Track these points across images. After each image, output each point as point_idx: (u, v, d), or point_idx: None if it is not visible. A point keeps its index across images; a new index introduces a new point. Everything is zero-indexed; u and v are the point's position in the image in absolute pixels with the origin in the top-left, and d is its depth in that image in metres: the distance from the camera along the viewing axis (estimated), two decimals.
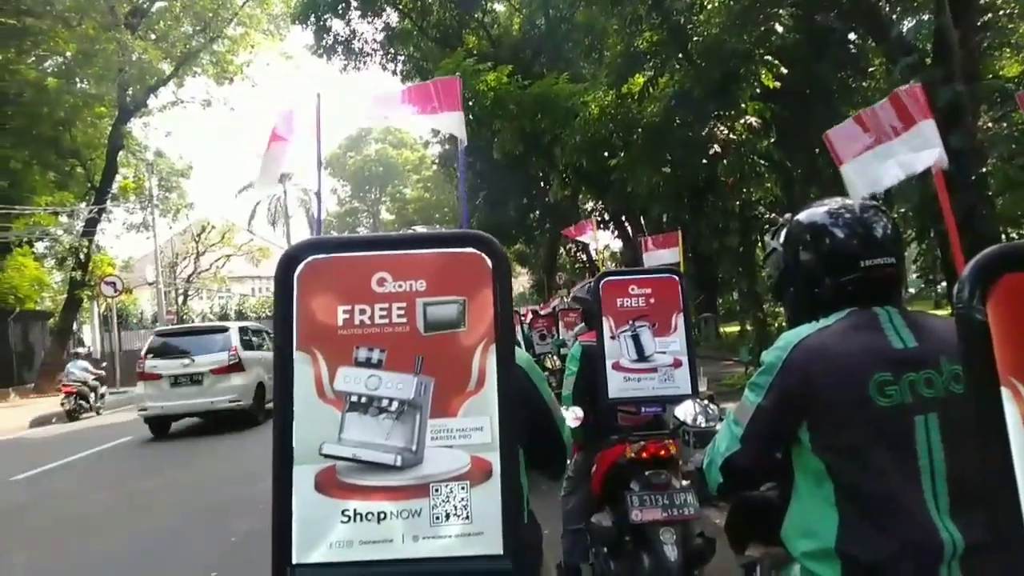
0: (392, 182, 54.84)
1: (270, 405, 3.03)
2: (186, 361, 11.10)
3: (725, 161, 11.62)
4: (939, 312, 11.11)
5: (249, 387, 11.17)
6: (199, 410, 11.17)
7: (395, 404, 1.02)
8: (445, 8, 21.27)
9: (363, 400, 1.02)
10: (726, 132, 11.85)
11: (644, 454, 2.93)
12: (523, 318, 10.14)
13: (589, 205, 23.38)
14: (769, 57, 11.51)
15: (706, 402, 2.64)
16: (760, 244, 12.52)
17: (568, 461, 2.13)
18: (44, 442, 11.87)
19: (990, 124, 10.17)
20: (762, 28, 11.29)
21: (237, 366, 11.15)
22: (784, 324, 2.66)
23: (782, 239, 1.69)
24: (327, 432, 1.01)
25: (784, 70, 11.53)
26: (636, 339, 2.84)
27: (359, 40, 22.18)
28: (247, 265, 33.13)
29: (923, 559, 1.32)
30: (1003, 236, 10.72)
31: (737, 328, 16.85)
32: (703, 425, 2.51)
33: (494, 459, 1.00)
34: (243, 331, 12.05)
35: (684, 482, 2.86)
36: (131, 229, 28.14)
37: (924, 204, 9.02)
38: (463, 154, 6.30)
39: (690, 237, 12.87)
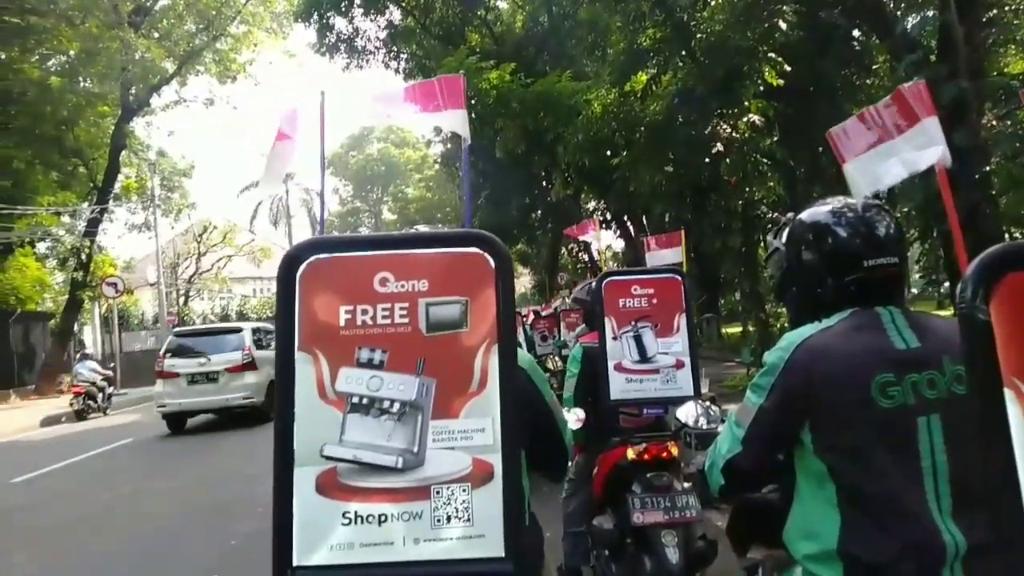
0: (394, 181, 54.79)
1: None
2: (202, 360, 11.61)
3: (728, 160, 11.56)
4: (942, 312, 11.08)
5: (262, 385, 11.45)
6: (214, 407, 11.71)
7: (397, 405, 1.02)
8: (448, 6, 21.25)
9: (365, 401, 1.02)
10: (729, 130, 11.81)
11: (646, 456, 2.91)
12: (525, 319, 10.11)
13: (591, 204, 23.36)
14: (773, 54, 11.47)
15: (708, 404, 2.63)
16: (762, 244, 12.47)
17: (569, 463, 2.12)
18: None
19: (994, 122, 10.12)
20: (766, 25, 11.23)
21: (251, 365, 11.58)
22: (786, 325, 2.66)
23: (784, 238, 1.68)
24: (328, 433, 1.00)
25: (788, 67, 11.48)
26: (638, 340, 2.83)
27: (362, 38, 22.22)
28: (249, 266, 33.10)
29: (925, 560, 1.31)
30: (1007, 235, 10.66)
31: (739, 329, 16.78)
32: (705, 427, 2.51)
33: (496, 461, 0.99)
34: (256, 331, 12.50)
35: (686, 484, 2.86)
36: (133, 229, 28.32)
37: (927, 203, 8.98)
38: (467, 152, 6.21)
39: (692, 237, 12.81)
